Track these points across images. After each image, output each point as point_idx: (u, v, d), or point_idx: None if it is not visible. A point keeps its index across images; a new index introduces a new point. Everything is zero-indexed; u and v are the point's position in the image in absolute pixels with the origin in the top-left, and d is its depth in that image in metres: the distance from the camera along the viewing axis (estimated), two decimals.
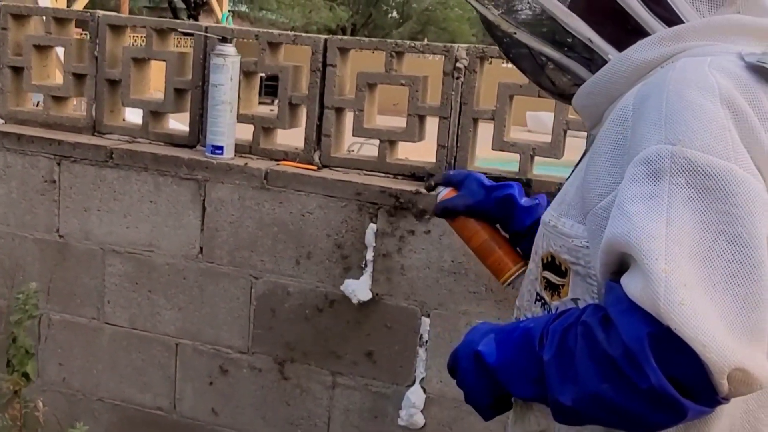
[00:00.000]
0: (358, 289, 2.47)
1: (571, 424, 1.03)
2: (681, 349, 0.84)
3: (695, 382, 0.85)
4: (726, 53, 1.01)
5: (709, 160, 0.89)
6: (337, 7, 33.33)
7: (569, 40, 1.13)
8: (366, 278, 2.48)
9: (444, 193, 1.49)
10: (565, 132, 2.39)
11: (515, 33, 1.16)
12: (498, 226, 1.47)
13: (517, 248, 1.45)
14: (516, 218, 1.43)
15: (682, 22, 1.06)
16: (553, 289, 1.13)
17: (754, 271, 0.86)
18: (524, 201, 1.44)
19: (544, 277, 1.15)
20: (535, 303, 1.19)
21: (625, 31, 1.09)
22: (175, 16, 28.12)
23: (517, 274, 1.41)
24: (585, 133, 2.40)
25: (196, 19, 25.77)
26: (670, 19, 1.06)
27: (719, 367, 0.83)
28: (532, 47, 1.17)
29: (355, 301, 2.48)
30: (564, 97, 1.24)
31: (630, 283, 0.89)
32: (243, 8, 29.76)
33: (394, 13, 39.36)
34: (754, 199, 0.89)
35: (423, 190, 2.41)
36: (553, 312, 1.13)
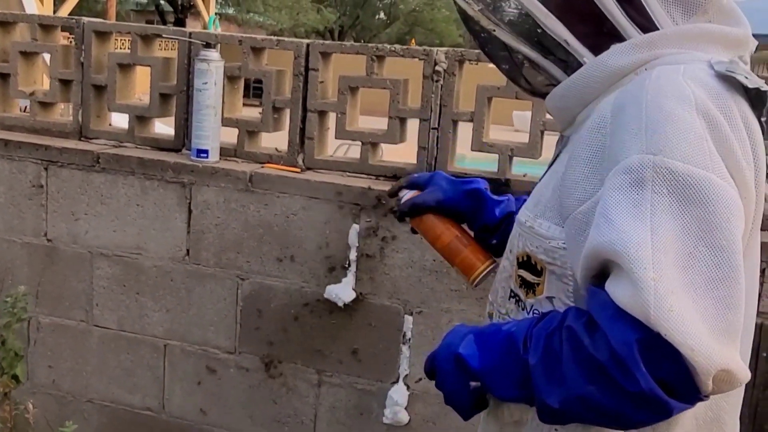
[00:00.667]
0: (341, 292, 2.52)
1: (556, 424, 1.08)
2: (669, 353, 0.88)
3: (681, 383, 0.90)
4: (697, 61, 1.05)
5: (688, 169, 0.93)
6: (325, 9, 33.36)
7: (546, 40, 1.15)
8: (348, 279, 2.53)
9: (408, 195, 1.46)
10: (542, 132, 2.44)
11: (494, 30, 1.17)
12: (465, 225, 1.47)
13: (491, 242, 1.44)
14: (486, 211, 1.44)
15: (657, 28, 1.09)
16: (528, 287, 1.16)
17: (731, 275, 0.92)
18: (493, 195, 1.46)
19: (519, 276, 1.18)
20: (509, 300, 1.22)
21: (600, 35, 1.11)
22: (163, 20, 28.09)
23: (486, 271, 1.38)
24: None
25: (183, 23, 25.74)
26: (645, 25, 1.09)
27: (706, 369, 0.88)
28: (510, 45, 1.18)
29: (340, 304, 2.53)
30: (539, 95, 1.26)
31: (617, 290, 0.92)
32: (230, 11, 29.74)
33: (382, 15, 39.39)
34: (731, 206, 0.94)
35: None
36: (528, 309, 1.16)
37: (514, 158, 2.53)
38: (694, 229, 0.92)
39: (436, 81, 2.50)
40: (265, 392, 2.70)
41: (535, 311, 1.15)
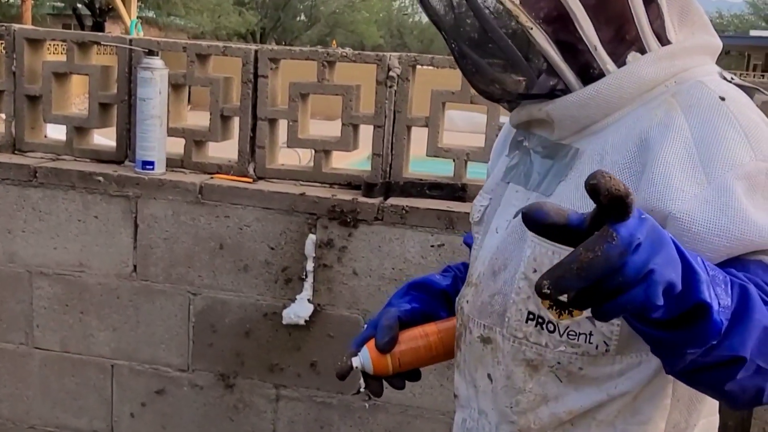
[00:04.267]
0: (299, 309, 2.46)
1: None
2: None
3: None
4: (712, 74, 1.10)
5: None
6: (246, 12, 33.01)
7: (576, 44, 1.09)
8: (304, 294, 2.47)
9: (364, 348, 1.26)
10: (497, 136, 2.43)
11: (532, 28, 1.08)
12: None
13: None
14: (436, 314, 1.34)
15: (666, 39, 1.10)
16: (564, 307, 1.12)
17: None
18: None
19: None
20: (526, 323, 1.15)
21: (620, 43, 1.10)
22: (81, 24, 27.30)
23: None
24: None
25: (103, 27, 25.06)
26: (660, 35, 1.10)
27: None
28: (541, 46, 1.09)
29: (301, 322, 2.47)
30: (504, 101, 1.19)
31: None
32: (150, 14, 29.08)
33: (303, 17, 39.23)
34: None
35: (361, 198, 2.42)
36: (561, 332, 1.10)
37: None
38: None
39: (390, 86, 2.46)
40: (221, 410, 2.62)
41: (571, 332, 1.10)
